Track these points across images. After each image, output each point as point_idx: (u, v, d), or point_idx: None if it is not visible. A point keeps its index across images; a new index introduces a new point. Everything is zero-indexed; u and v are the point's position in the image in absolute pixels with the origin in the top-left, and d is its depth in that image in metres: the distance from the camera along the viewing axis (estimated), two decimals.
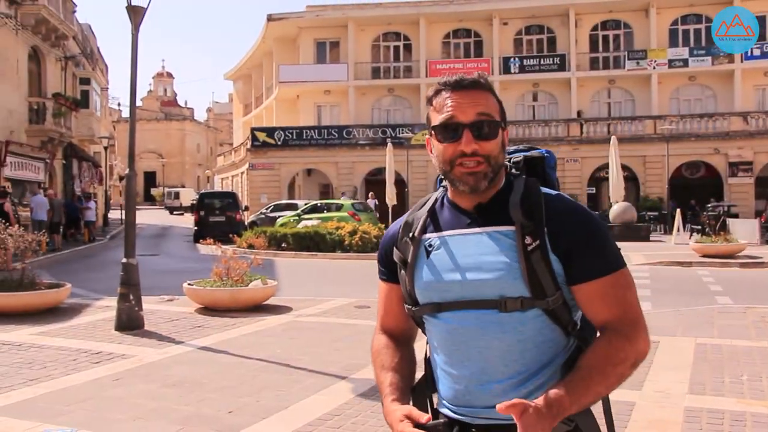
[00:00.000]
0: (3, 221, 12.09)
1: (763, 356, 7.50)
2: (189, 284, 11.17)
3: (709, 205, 27.52)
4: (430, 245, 1.90)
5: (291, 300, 11.85)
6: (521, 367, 1.78)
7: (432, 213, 1.96)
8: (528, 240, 1.76)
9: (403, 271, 1.95)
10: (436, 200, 1.99)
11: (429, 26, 40.78)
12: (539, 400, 1.63)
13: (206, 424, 5.30)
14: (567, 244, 1.77)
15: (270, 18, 42.06)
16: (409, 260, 1.92)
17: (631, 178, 33.99)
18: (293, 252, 21.76)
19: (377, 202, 31.77)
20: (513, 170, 1.96)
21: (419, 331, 2.04)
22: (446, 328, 1.85)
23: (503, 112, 1.89)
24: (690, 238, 24.11)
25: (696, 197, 32.82)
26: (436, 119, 1.85)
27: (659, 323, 9.44)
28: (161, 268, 18.29)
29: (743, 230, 22.42)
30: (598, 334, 1.82)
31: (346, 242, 21.50)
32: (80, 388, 6.35)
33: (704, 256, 18.66)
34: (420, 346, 2.04)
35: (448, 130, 1.83)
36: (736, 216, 27.65)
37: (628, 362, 1.72)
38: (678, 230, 24.28)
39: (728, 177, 34.82)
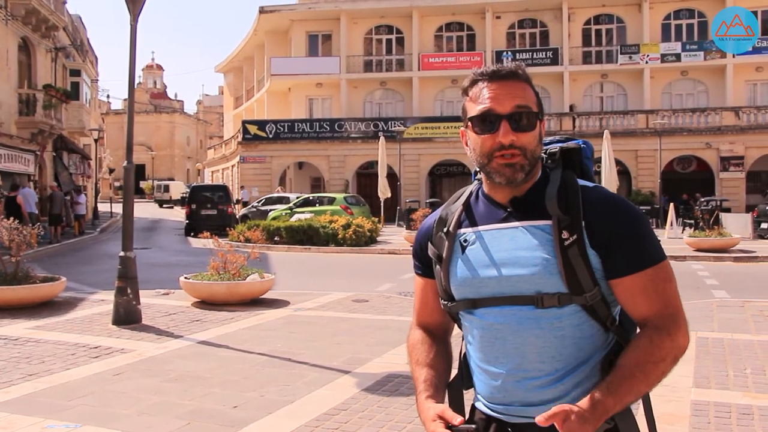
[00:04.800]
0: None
1: (765, 350, 7.50)
2: (185, 278, 11.08)
3: (702, 200, 27.54)
4: (466, 240, 1.85)
5: (288, 294, 11.77)
6: (558, 364, 1.74)
7: (467, 207, 1.91)
8: (565, 234, 1.72)
9: (438, 267, 1.90)
10: (471, 194, 1.93)
11: (422, 19, 40.65)
12: (582, 403, 1.60)
13: (212, 419, 5.24)
14: (606, 237, 1.73)
15: (262, 10, 41.83)
16: (444, 255, 1.87)
17: (623, 172, 34.03)
18: (286, 246, 21.65)
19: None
20: (549, 162, 1.90)
21: (455, 326, 2.00)
22: (482, 325, 1.81)
23: (540, 103, 1.84)
24: (683, 232, 24.17)
25: (687, 191, 32.88)
26: (473, 110, 1.80)
27: None
28: (154, 261, 18.17)
29: (736, 224, 22.54)
30: (638, 329, 1.78)
31: (340, 236, 21.40)
32: (81, 383, 6.27)
33: (698, 250, 18.72)
34: (456, 342, 1.99)
35: (486, 122, 1.77)
36: (728, 210, 27.74)
37: (669, 358, 1.69)
38: (671, 224, 24.31)
39: (720, 171, 34.87)
